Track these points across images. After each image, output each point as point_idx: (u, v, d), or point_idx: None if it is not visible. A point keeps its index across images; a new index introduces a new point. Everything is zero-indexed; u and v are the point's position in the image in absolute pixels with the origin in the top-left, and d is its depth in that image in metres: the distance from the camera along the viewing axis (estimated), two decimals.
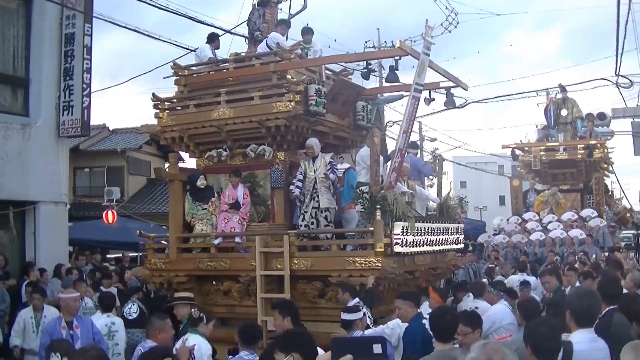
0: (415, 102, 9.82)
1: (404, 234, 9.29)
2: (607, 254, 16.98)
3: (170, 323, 6.59)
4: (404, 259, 9.60)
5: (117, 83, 76.28)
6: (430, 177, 13.93)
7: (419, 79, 9.66)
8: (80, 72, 15.06)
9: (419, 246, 9.83)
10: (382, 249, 9.02)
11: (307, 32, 11.43)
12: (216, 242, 10.56)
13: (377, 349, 4.40)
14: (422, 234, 9.92)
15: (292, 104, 9.91)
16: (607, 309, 5.73)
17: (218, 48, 12.05)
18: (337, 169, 10.18)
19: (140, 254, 19.21)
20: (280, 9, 12.59)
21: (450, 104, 11.69)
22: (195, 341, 6.60)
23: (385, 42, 29.00)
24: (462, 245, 11.94)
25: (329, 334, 7.03)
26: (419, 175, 12.06)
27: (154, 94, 11.48)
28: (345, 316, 7.05)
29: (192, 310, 7.58)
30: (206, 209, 10.95)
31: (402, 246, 9.28)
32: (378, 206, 9.05)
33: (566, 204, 22.13)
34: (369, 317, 8.16)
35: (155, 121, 11.45)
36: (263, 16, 11.68)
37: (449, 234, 11.01)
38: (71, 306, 8.25)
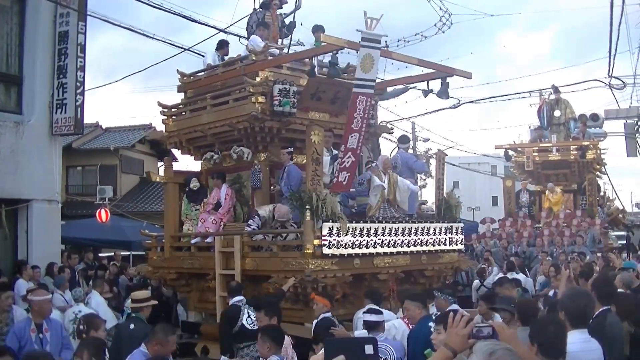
0: (365, 99, 9.34)
1: (335, 234, 9.03)
2: (599, 254, 17.04)
3: (174, 340, 6.38)
4: (352, 261, 9.37)
5: (110, 81, 76.00)
6: (423, 174, 13.47)
7: (366, 75, 9.22)
8: (74, 70, 15.00)
9: (369, 247, 9.47)
10: (311, 250, 8.93)
11: (317, 29, 11.41)
12: (193, 241, 11.07)
13: (368, 349, 4.44)
14: (375, 235, 9.54)
15: (255, 105, 10.06)
16: (601, 309, 5.75)
17: (227, 55, 12.07)
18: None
19: (133, 252, 19.22)
20: (280, 13, 12.45)
21: (443, 94, 11.01)
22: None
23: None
24: (460, 246, 11.41)
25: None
26: (411, 173, 11.78)
27: (159, 102, 11.96)
28: (368, 317, 6.94)
29: None
30: (198, 209, 11.28)
31: (331, 247, 9.01)
32: (307, 206, 8.94)
33: (559, 201, 22.21)
34: (249, 316, 8.35)
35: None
36: (263, 19, 11.67)
37: (431, 234, 10.50)
38: (44, 308, 7.88)
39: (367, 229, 9.50)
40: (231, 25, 15.52)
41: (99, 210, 20.04)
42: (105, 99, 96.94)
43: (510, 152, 23.74)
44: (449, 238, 10.95)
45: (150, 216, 24.03)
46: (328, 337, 5.74)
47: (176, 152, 12.25)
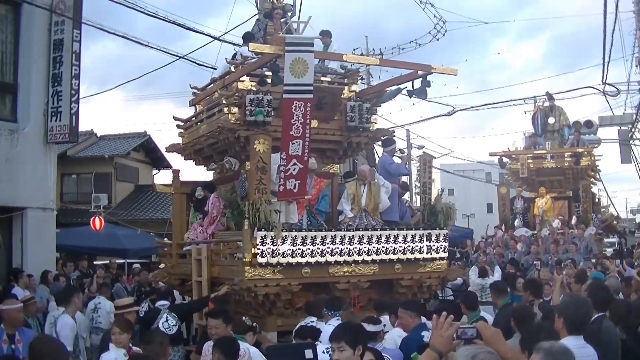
0: (303, 105, 9.10)
1: (270, 243, 9.02)
2: (593, 261, 17.06)
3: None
4: (300, 269, 9.32)
5: (105, 89, 76.08)
6: (401, 175, 12.83)
7: (299, 79, 8.95)
8: (69, 78, 15.02)
9: (315, 256, 9.35)
10: (249, 259, 9.00)
11: (324, 34, 11.37)
12: (185, 249, 11.44)
13: (308, 354, 4.49)
14: (323, 243, 9.39)
15: (229, 116, 10.19)
16: (596, 316, 5.77)
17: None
18: None
19: (128, 260, 19.19)
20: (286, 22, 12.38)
21: (422, 94, 10.46)
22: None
23: (373, 49, 29.01)
24: (443, 254, 10.60)
25: None
26: (390, 176, 11.50)
27: (174, 116, 12.48)
28: (368, 328, 6.79)
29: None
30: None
31: (265, 256, 9.00)
32: (246, 215, 8.98)
33: (554, 209, 22.23)
34: (166, 321, 8.58)
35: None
36: (265, 29, 11.65)
37: (400, 241, 10.07)
38: (15, 318, 7.53)
39: (312, 237, 9.40)
40: (225, 33, 15.54)
41: (93, 218, 20.02)
42: (100, 107, 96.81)
43: (505, 159, 23.76)
44: (427, 246, 10.34)
45: (145, 224, 24.01)
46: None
47: (191, 163, 12.60)
